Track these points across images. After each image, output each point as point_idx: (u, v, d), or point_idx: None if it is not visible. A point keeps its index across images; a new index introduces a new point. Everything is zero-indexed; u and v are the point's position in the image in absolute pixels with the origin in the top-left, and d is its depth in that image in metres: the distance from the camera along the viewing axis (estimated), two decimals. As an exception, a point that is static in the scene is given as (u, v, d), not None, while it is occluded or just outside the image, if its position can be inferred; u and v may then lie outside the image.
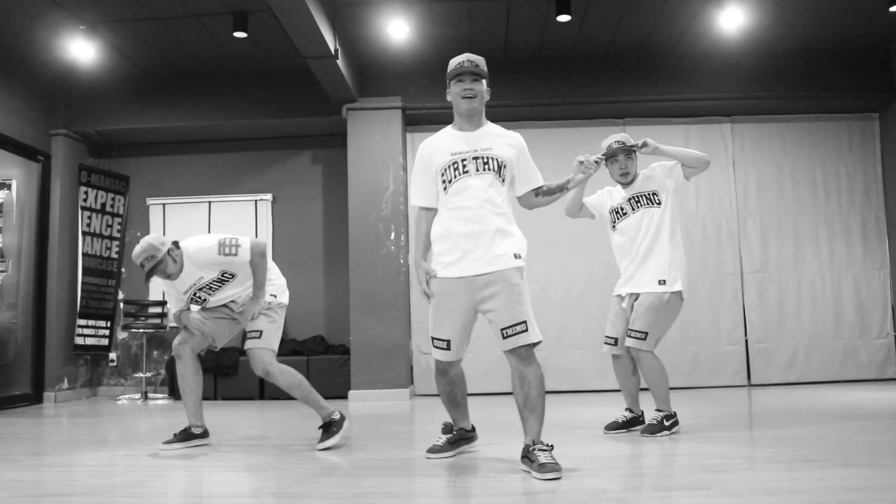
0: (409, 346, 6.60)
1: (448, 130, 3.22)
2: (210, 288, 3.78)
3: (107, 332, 7.10)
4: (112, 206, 7.23)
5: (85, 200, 6.99)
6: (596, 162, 3.25)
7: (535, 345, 2.98)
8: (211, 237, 3.72)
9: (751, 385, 6.66)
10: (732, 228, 6.87)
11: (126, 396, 6.84)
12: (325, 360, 6.54)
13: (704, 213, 6.87)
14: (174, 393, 6.70)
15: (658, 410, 3.90)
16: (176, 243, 3.69)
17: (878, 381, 6.58)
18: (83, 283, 6.90)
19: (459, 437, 3.46)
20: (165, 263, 3.61)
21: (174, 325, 7.17)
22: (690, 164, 3.85)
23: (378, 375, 6.33)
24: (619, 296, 4.02)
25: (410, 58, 6.46)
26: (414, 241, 3.30)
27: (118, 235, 7.28)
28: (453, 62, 3.14)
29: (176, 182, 7.43)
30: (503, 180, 3.10)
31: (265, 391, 6.54)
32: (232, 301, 3.88)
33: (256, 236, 7.28)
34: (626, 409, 4.07)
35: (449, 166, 3.09)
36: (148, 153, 7.49)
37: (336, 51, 5.69)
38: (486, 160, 3.07)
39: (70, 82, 6.84)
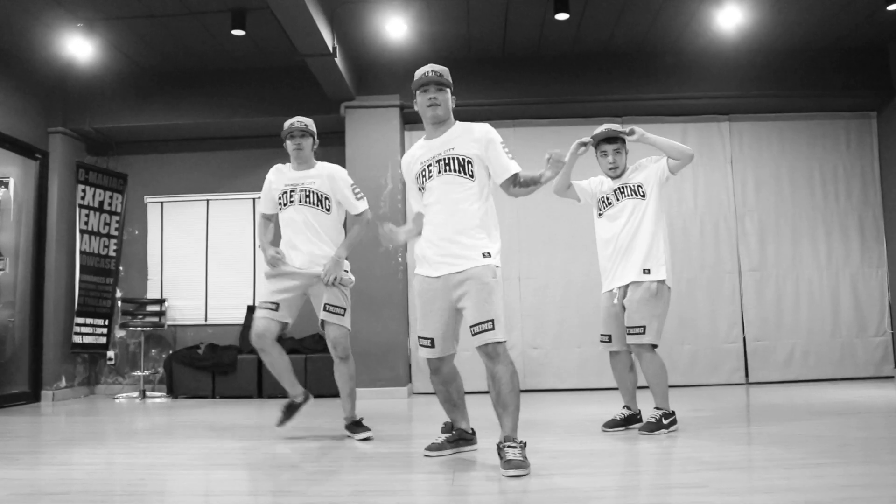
0: (407, 345, 6.60)
1: (420, 141, 3.38)
2: (307, 197, 3.96)
3: (105, 331, 7.09)
4: (110, 204, 7.22)
5: (83, 198, 6.98)
6: (583, 144, 3.69)
7: (500, 343, 3.04)
8: None
9: (748, 383, 6.66)
10: (730, 227, 6.88)
11: (124, 395, 6.83)
12: (323, 358, 6.53)
13: (702, 211, 6.87)
14: (172, 391, 6.70)
15: (657, 408, 3.90)
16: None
17: (876, 379, 6.59)
18: (81, 281, 6.89)
19: (459, 437, 3.46)
20: (310, 139, 4.08)
21: (172, 323, 7.20)
22: (674, 156, 3.89)
23: (376, 374, 6.33)
24: (610, 292, 4.04)
25: (409, 56, 6.45)
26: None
27: (116, 233, 7.27)
28: (418, 73, 3.29)
29: (174, 180, 7.42)
30: (471, 176, 3.18)
31: (263, 389, 6.54)
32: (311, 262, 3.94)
33: (255, 234, 7.30)
34: (623, 407, 4.09)
35: (419, 174, 3.26)
36: (146, 151, 7.49)
37: (334, 49, 5.69)
38: (447, 161, 3.19)
39: (68, 80, 6.82)
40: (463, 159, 3.18)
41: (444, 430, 3.50)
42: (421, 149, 3.32)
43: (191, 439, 4.13)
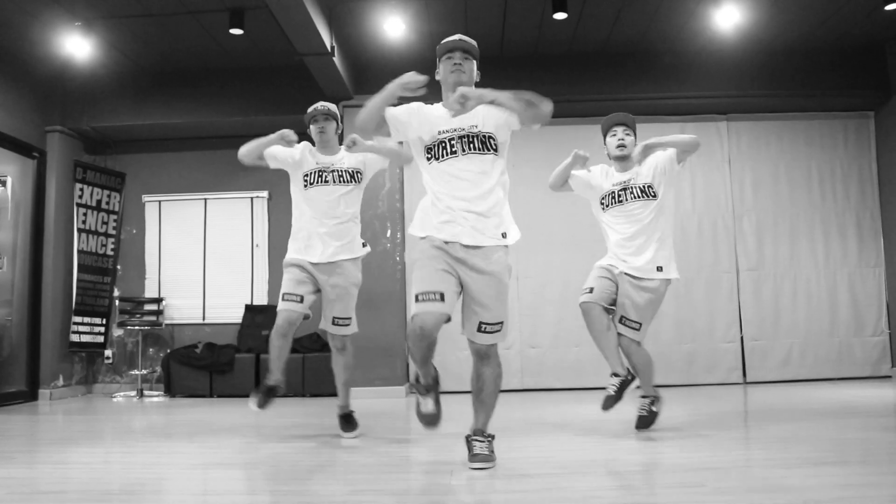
0: (405, 344, 6.59)
1: (437, 104, 3.15)
2: (341, 176, 3.97)
3: (102, 330, 7.08)
4: (108, 203, 7.21)
5: (80, 197, 6.97)
6: (583, 158, 3.87)
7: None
8: None
9: (746, 382, 6.67)
10: (728, 226, 6.88)
11: (121, 394, 6.82)
12: (321, 357, 6.52)
13: (700, 210, 6.88)
14: (170, 390, 6.69)
15: (644, 397, 3.91)
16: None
17: (873, 379, 6.60)
18: (78, 280, 6.88)
19: (437, 381, 3.20)
20: (333, 123, 4.04)
21: (170, 322, 7.20)
22: (685, 149, 3.86)
23: (374, 373, 6.33)
24: (609, 267, 3.90)
25: (407, 55, 6.44)
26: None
27: (114, 232, 7.26)
28: (444, 40, 3.14)
29: (172, 179, 7.42)
30: (495, 150, 3.04)
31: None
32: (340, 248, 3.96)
33: (252, 234, 7.31)
34: (612, 375, 3.87)
35: (438, 144, 3.04)
36: (144, 150, 7.48)
37: (332, 48, 5.68)
38: (470, 138, 3.01)
39: (66, 79, 6.81)
40: (486, 136, 3.02)
41: (426, 390, 3.15)
42: (441, 117, 3.08)
43: (188, 438, 4.13)
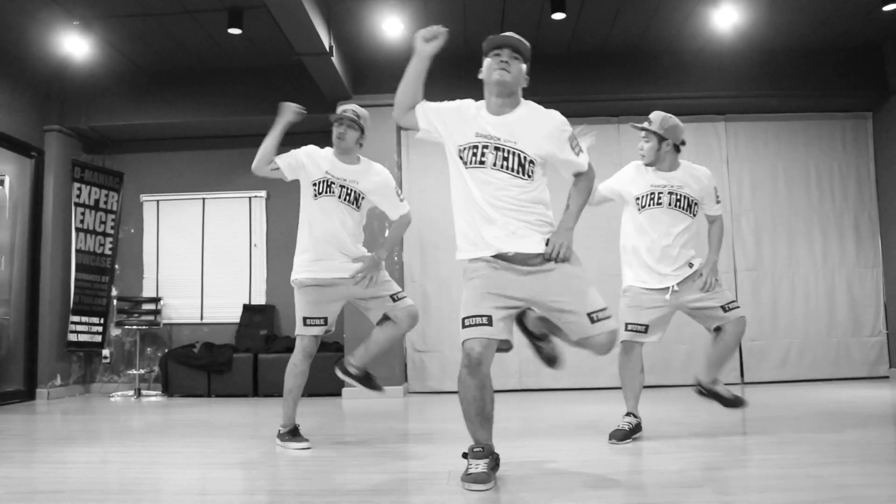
0: (403, 344, 6.59)
1: (480, 104, 2.89)
2: (348, 195, 3.81)
3: (100, 329, 7.07)
4: (106, 203, 7.21)
5: (78, 197, 6.96)
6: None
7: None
8: None
9: (744, 383, 6.67)
10: (726, 226, 6.86)
11: (119, 393, 6.82)
12: (320, 357, 6.49)
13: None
14: (168, 390, 6.69)
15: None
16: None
17: (871, 379, 6.61)
18: (76, 279, 6.87)
19: (495, 462, 2.78)
20: (356, 132, 3.88)
21: (167, 321, 7.19)
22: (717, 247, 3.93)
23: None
24: (664, 288, 3.70)
25: (405, 55, 6.34)
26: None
27: (112, 232, 7.25)
28: (494, 35, 2.86)
29: (170, 178, 7.41)
30: (529, 176, 2.75)
31: (258, 388, 6.54)
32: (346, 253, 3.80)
33: (251, 233, 7.30)
34: (628, 415, 3.74)
35: (470, 147, 2.79)
36: (142, 149, 7.47)
37: (331, 48, 5.68)
38: (506, 154, 2.75)
39: (64, 78, 6.80)
40: (524, 158, 2.74)
41: (480, 455, 2.73)
42: (482, 118, 2.82)
43: (186, 438, 4.13)
